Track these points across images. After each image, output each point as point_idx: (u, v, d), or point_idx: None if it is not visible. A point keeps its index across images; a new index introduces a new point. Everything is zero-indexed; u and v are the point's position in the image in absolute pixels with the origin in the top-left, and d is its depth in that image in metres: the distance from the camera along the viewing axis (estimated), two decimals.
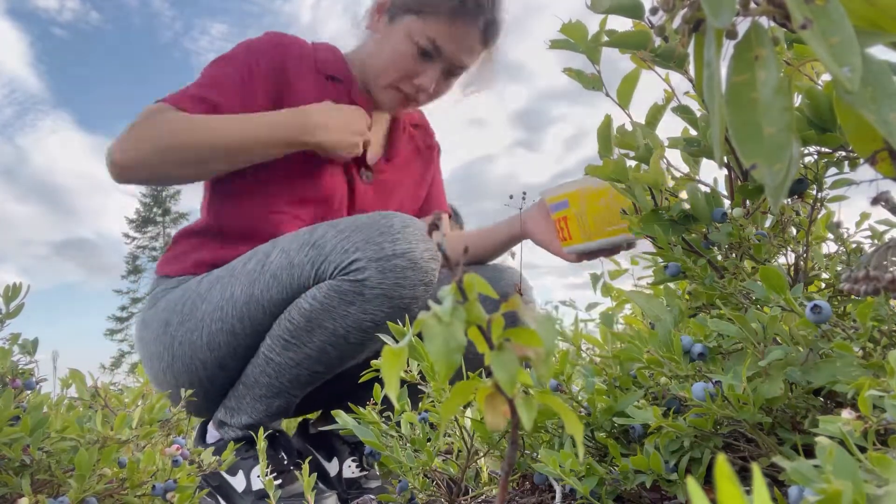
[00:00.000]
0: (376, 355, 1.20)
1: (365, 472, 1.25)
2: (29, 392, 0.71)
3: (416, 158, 1.45)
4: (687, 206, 0.78)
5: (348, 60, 1.32)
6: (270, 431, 1.10)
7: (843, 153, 0.68)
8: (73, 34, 48.61)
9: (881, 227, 0.77)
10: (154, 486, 0.67)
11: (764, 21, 0.36)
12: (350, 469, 1.24)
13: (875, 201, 0.49)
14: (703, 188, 0.80)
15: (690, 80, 0.77)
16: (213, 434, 1.14)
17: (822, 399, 0.60)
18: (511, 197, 1.21)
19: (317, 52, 1.28)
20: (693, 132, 0.80)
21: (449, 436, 0.81)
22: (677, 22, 0.38)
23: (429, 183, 1.49)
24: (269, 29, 1.34)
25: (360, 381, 0.81)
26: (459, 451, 0.79)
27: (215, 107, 1.14)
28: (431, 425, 0.81)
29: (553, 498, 0.79)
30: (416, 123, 1.46)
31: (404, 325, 1.01)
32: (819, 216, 0.76)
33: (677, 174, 0.82)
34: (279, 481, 1.05)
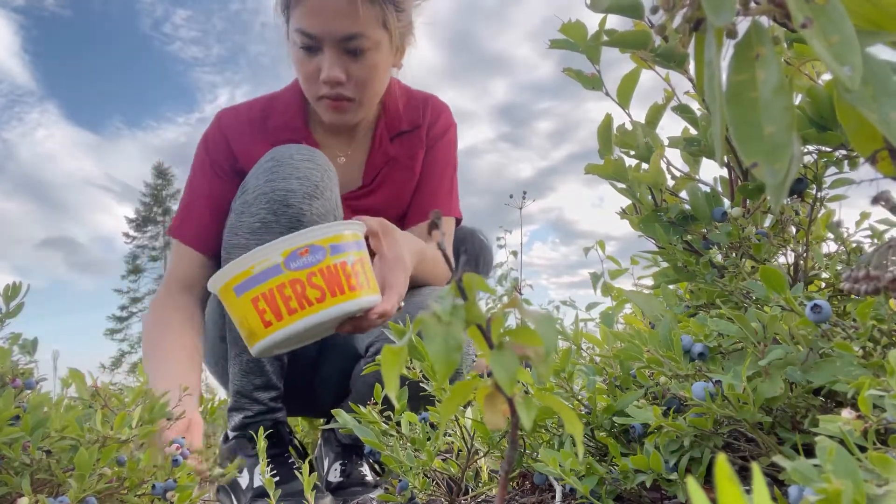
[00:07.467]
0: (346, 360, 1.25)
1: (342, 480, 1.25)
2: (29, 391, 0.71)
3: (400, 173, 1.34)
4: (687, 205, 0.78)
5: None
6: (271, 431, 1.11)
7: (844, 152, 0.68)
8: (31, 20, 47.91)
9: (881, 227, 0.77)
10: (154, 486, 0.67)
11: (764, 20, 0.36)
12: (335, 473, 1.25)
13: (875, 201, 0.49)
14: (703, 188, 0.80)
15: (690, 80, 0.77)
16: (231, 423, 1.18)
17: (822, 398, 0.60)
18: (511, 196, 1.20)
19: (270, 116, 1.26)
20: (693, 131, 0.80)
21: (449, 435, 0.81)
22: (677, 21, 0.38)
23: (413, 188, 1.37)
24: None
25: (363, 373, 0.82)
26: (459, 450, 0.79)
27: (197, 221, 1.23)
28: (432, 425, 0.81)
29: (553, 497, 0.79)
30: (403, 131, 1.33)
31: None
32: (819, 216, 0.76)
33: (677, 173, 0.82)
34: (277, 478, 1.06)
